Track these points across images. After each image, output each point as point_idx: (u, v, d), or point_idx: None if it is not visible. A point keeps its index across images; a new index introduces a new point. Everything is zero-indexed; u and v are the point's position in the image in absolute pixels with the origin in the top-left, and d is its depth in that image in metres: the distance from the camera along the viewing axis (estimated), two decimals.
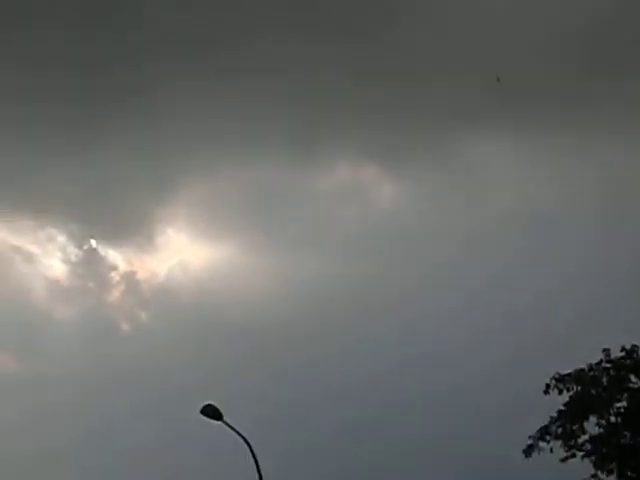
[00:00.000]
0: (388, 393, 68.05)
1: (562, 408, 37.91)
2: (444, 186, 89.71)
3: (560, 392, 37.83)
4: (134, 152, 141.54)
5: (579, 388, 37.75)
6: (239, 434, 25.05)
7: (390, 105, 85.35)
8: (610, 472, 37.09)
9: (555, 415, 37.92)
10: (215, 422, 24.82)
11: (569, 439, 37.57)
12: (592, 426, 37.51)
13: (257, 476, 25.35)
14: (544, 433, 37.85)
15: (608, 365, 37.84)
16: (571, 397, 37.75)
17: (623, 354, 37.77)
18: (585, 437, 37.68)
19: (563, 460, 37.96)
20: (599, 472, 37.04)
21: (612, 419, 37.46)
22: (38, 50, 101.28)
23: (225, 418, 24.71)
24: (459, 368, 68.69)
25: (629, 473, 36.98)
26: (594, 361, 37.92)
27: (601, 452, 37.25)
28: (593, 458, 37.30)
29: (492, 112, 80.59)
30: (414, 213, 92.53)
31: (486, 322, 72.89)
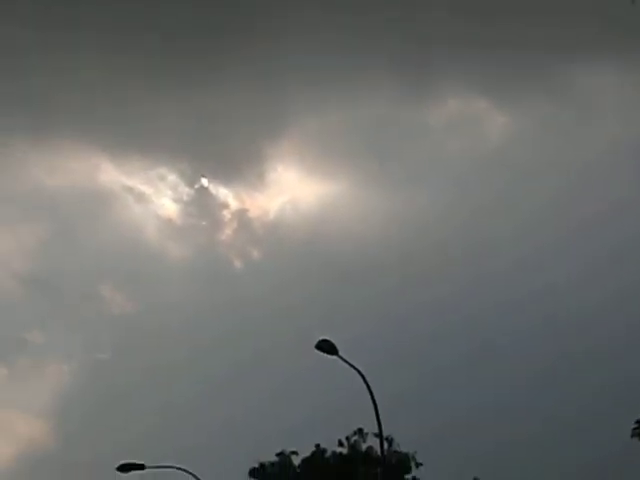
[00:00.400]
0: (514, 322, 68.81)
1: None
2: (554, 117, 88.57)
3: None
4: (244, 90, 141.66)
5: None
6: (354, 368, 25.35)
7: (499, 38, 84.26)
8: None
9: None
10: (330, 357, 25.18)
11: None
12: None
13: (374, 410, 25.71)
14: None
15: None
16: None
17: None
18: None
19: None
20: None
21: None
22: None
23: (339, 354, 25.12)
24: (572, 300, 68.65)
25: None
26: None
27: None
28: None
29: (601, 42, 79.17)
30: (524, 145, 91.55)
31: (598, 253, 72.49)
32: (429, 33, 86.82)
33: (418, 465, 40.53)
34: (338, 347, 24.82)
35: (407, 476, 40.26)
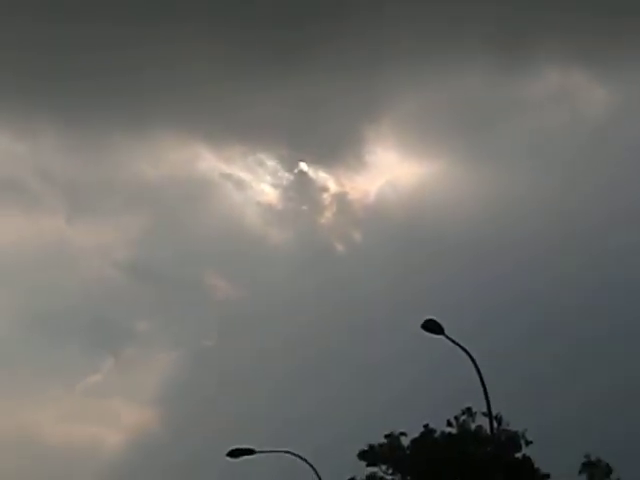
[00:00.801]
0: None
1: None
2: None
3: None
4: (341, 72, 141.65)
5: None
6: (461, 347, 25.19)
7: (599, 7, 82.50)
8: None
9: None
10: (436, 336, 25.04)
11: None
12: None
13: (482, 389, 25.48)
14: None
15: None
16: None
17: None
18: None
19: None
20: None
21: None
22: None
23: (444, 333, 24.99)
24: None
25: None
26: None
27: None
28: None
29: None
30: (627, 119, 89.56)
31: None
32: (524, 3, 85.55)
33: (528, 443, 40.20)
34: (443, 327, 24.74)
35: (517, 454, 39.92)
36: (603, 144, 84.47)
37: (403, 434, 41.67)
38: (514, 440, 39.77)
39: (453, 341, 24.76)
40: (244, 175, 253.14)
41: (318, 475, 37.81)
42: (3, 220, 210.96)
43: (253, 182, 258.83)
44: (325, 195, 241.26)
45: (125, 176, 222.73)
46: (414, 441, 41.37)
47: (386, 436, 41.63)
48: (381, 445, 41.56)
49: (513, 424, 40.09)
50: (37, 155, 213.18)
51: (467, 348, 24.75)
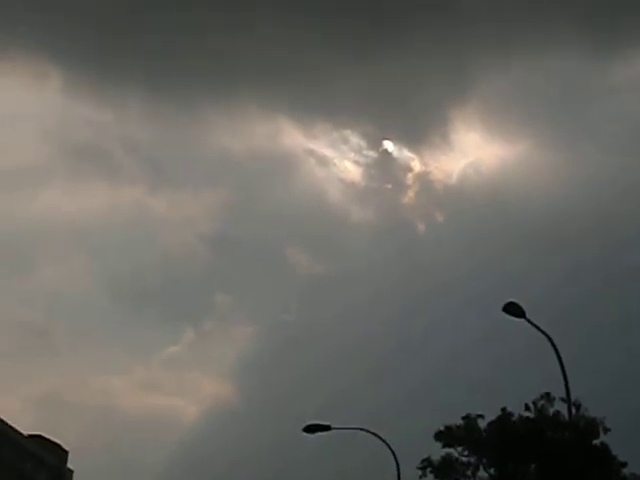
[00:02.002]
0: None
1: None
2: None
3: None
4: (429, 53, 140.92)
5: None
6: (542, 331, 25.12)
7: None
8: None
9: None
10: (517, 319, 25.01)
11: None
12: None
13: (561, 374, 25.39)
14: None
15: None
16: None
17: None
18: None
19: None
20: None
21: None
22: None
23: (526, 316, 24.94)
24: None
25: None
26: None
27: None
28: None
29: None
30: None
31: None
32: None
33: (607, 431, 39.84)
34: (524, 309, 24.68)
35: (595, 441, 39.62)
36: None
37: (480, 416, 41.63)
38: (592, 427, 39.45)
39: (534, 325, 24.72)
40: (327, 152, 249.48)
41: (393, 452, 37.93)
42: (86, 189, 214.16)
43: (336, 159, 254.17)
44: (408, 174, 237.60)
45: (209, 149, 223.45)
46: (491, 424, 41.31)
47: (463, 418, 41.63)
48: (458, 427, 41.57)
49: (592, 411, 39.73)
50: (121, 125, 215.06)
51: (550, 333, 24.71)
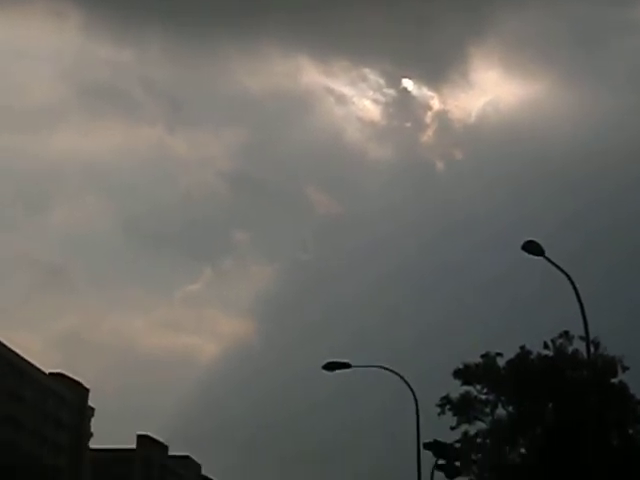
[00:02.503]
0: None
1: None
2: None
3: None
4: None
5: None
6: (561, 269, 25.19)
7: None
8: None
9: None
10: (536, 258, 25.07)
11: None
12: None
13: (580, 312, 25.52)
14: None
15: None
16: None
17: None
18: None
19: None
20: None
21: None
22: None
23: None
24: None
25: None
26: None
27: None
28: None
29: None
30: None
31: None
32: None
33: (625, 369, 40.04)
34: (543, 248, 24.74)
35: (613, 380, 39.84)
36: None
37: (499, 354, 41.86)
38: (611, 365, 39.66)
39: (553, 263, 24.77)
40: (346, 90, 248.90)
41: (412, 390, 38.25)
42: (103, 129, 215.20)
43: (355, 97, 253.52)
44: (428, 113, 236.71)
45: (228, 88, 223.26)
46: (510, 362, 41.53)
47: (482, 356, 41.87)
48: (477, 365, 41.83)
49: (611, 349, 39.92)
50: (141, 64, 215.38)
51: (567, 271, 24.80)
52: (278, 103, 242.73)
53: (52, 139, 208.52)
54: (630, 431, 40.24)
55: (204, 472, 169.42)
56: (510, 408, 41.36)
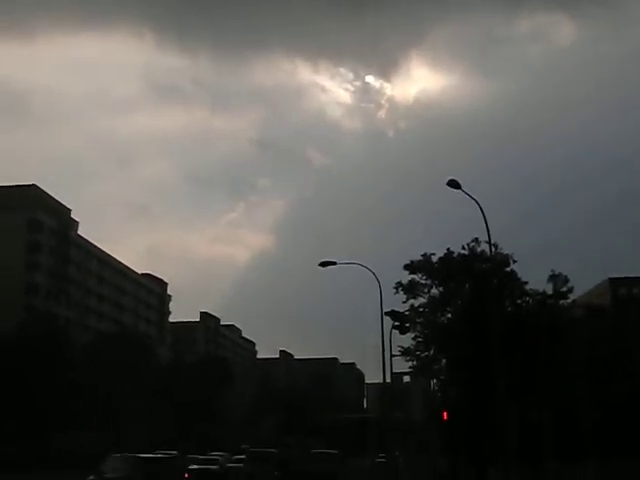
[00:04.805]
0: None
1: None
2: None
3: None
4: (398, 9, 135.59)
5: None
6: (473, 198, 25.44)
7: None
8: None
9: None
10: (456, 190, 25.25)
11: None
12: None
13: (485, 226, 25.77)
14: None
15: None
16: None
17: None
18: None
19: None
20: None
21: None
22: None
23: None
24: None
25: None
26: None
27: None
28: None
29: None
30: None
31: None
32: None
33: (514, 262, 40.59)
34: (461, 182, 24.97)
35: (507, 269, 40.41)
36: None
37: (433, 254, 42.28)
38: (505, 259, 40.13)
39: (467, 194, 25.13)
40: (327, 82, 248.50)
41: (377, 278, 38.87)
42: (168, 112, 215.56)
43: (333, 87, 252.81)
44: (382, 97, 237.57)
45: (250, 82, 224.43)
46: (440, 258, 42.02)
47: (422, 255, 42.27)
48: (419, 261, 42.25)
49: (505, 249, 40.38)
50: (194, 68, 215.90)
51: (477, 199, 25.18)
52: (283, 91, 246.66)
53: (133, 120, 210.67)
54: (518, 301, 40.85)
55: (244, 335, 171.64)
56: (440, 288, 41.96)
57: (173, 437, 74.93)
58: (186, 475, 33.12)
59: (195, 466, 43.60)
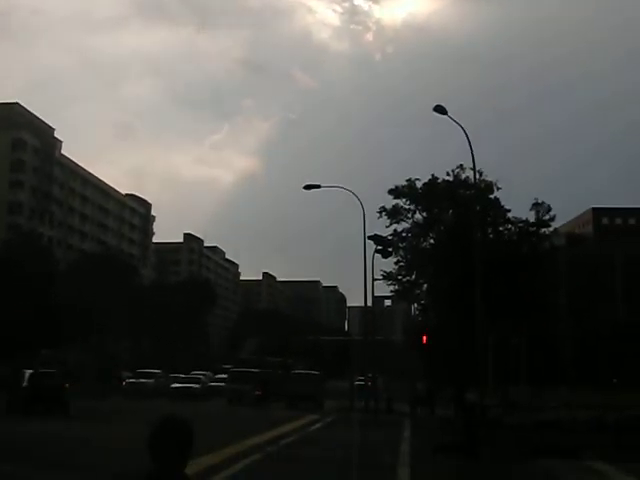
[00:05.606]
0: None
1: None
2: None
3: None
4: None
5: None
6: (458, 124, 25.04)
7: None
8: None
9: None
10: (442, 116, 24.85)
11: None
12: None
13: (470, 154, 25.46)
14: None
15: None
16: None
17: None
18: None
19: None
20: None
21: None
22: None
23: None
24: None
25: None
26: None
27: None
28: None
29: None
30: None
31: None
32: None
33: (498, 189, 40.39)
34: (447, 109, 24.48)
35: (491, 196, 40.28)
36: None
37: (418, 179, 41.96)
38: (489, 186, 39.94)
39: (454, 120, 24.68)
40: (315, 3, 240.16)
41: (360, 202, 38.63)
42: (152, 32, 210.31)
43: (321, 9, 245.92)
44: (370, 20, 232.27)
45: (237, 1, 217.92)
46: (424, 184, 41.73)
47: (407, 180, 41.96)
48: (403, 186, 41.95)
49: (490, 176, 40.14)
50: None
51: (463, 125, 24.73)
52: (270, 11, 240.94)
53: (117, 39, 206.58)
54: (500, 228, 40.89)
55: (227, 256, 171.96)
56: (424, 214, 41.79)
57: (156, 356, 75.84)
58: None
59: (177, 384, 44.15)
